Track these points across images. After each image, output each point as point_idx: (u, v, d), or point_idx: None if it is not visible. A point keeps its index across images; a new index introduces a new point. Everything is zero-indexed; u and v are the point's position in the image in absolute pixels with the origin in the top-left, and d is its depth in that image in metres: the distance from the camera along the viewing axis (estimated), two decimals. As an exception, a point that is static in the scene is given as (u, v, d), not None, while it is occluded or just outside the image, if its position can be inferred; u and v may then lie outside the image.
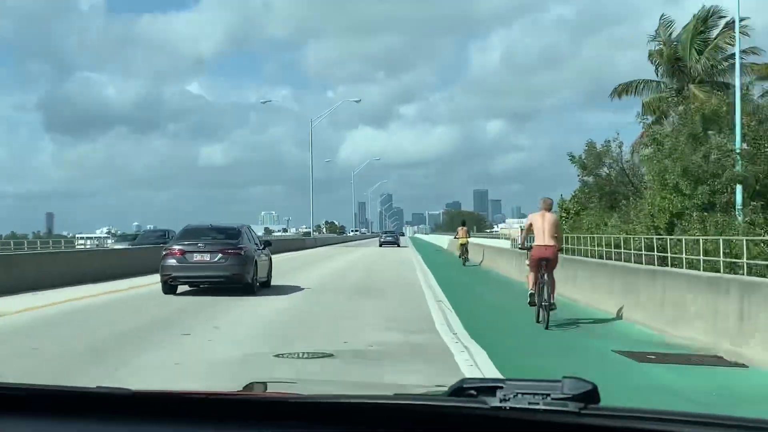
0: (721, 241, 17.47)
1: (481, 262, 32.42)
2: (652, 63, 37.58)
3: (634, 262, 25.42)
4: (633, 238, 26.49)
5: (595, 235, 31.78)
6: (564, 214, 43.31)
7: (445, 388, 1.38)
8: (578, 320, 12.59)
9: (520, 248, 13.87)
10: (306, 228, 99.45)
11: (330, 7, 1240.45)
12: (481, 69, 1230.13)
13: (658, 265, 20.62)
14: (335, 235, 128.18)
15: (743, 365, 8.07)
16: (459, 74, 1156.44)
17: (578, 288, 15.41)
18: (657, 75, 37.70)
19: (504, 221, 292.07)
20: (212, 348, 9.25)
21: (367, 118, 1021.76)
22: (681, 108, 27.97)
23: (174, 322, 11.81)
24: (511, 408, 1.23)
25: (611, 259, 27.91)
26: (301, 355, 8.58)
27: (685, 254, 20.75)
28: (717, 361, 8.40)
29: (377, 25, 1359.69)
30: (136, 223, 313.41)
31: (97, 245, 58.30)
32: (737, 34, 25.88)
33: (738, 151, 22.78)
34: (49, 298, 15.06)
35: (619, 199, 34.09)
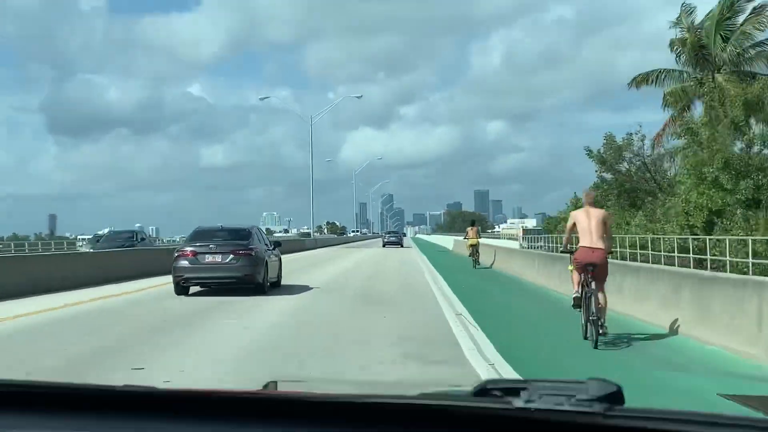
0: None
1: (493, 263, 30.03)
2: (673, 51, 35.20)
3: (663, 264, 23.12)
4: (663, 238, 24.16)
5: (616, 236, 29.41)
6: (578, 214, 40.92)
7: (467, 389, 1.34)
8: (632, 336, 10.24)
9: (562, 251, 11.53)
10: (307, 229, 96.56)
11: (330, 8, 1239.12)
12: (481, 69, 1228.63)
13: (694, 268, 18.32)
14: (335, 236, 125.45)
15: None
16: (459, 74, 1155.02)
17: (624, 298, 12.98)
18: (677, 64, 35.34)
19: (505, 221, 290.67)
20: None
21: (368, 119, 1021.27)
22: (717, 95, 25.56)
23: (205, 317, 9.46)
24: (536, 409, 1.21)
25: (634, 260, 25.56)
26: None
27: (729, 256, 18.36)
28: None
29: (377, 26, 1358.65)
30: (138, 224, 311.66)
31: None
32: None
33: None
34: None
35: (642, 197, 31.74)
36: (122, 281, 19.86)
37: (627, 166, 33.45)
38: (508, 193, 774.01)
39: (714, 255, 20.42)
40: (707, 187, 21.21)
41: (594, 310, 9.75)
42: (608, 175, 34.27)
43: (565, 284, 16.85)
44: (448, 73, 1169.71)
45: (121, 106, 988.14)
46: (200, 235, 17.17)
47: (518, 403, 1.23)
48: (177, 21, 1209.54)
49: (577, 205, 43.09)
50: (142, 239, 31.41)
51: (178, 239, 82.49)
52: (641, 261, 25.48)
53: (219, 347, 9.45)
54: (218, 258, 16.18)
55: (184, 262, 16.23)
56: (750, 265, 16.87)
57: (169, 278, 16.84)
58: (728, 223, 20.24)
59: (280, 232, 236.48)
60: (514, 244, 53.82)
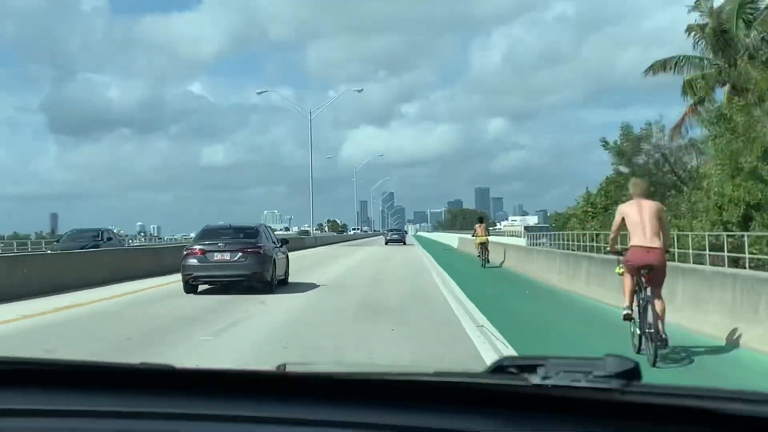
0: None
1: (503, 263, 28.09)
2: (690, 38, 33.21)
3: (693, 263, 21.19)
4: (692, 235, 22.19)
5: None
6: (590, 209, 39.00)
7: (482, 369, 1.32)
8: (692, 351, 8.69)
9: (609, 251, 9.60)
10: (307, 227, 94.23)
11: (331, 7, 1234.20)
12: (482, 67, 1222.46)
13: (729, 267, 16.35)
14: (335, 234, 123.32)
15: None
16: (460, 73, 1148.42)
17: (676, 305, 11.01)
18: (694, 50, 33.37)
19: (507, 219, 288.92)
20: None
21: (369, 118, 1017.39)
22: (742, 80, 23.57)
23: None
24: (553, 386, 1.20)
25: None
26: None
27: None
28: None
29: (378, 25, 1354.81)
30: (139, 223, 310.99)
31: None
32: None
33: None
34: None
35: (662, 191, 29.74)
36: (84, 288, 17.19)
37: (645, 159, 31.42)
38: (509, 191, 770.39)
39: (752, 253, 18.47)
40: (744, 178, 19.23)
41: (651, 321, 8.20)
42: (624, 169, 32.27)
43: (593, 287, 14.92)
44: (449, 71, 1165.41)
45: (121, 106, 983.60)
46: (209, 234, 17.26)
47: (535, 379, 1.22)
48: (178, 20, 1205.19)
49: (589, 200, 41.31)
50: (109, 239, 28.40)
51: (179, 237, 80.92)
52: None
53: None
54: (227, 256, 16.22)
55: (193, 261, 16.26)
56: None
57: (143, 284, 15.96)
58: (768, 218, 18.33)
59: (280, 230, 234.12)
60: (521, 241, 52.04)
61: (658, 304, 8.35)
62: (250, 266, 16.06)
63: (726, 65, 30.57)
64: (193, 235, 63.97)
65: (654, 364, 7.84)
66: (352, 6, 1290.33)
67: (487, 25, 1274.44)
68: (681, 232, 23.94)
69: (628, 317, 8.70)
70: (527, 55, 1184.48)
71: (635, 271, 8.59)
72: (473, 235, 29.72)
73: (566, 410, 1.21)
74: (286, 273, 18.47)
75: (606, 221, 35.25)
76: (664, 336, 8.12)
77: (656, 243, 8.46)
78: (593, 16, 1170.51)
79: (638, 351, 8.41)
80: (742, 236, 18.49)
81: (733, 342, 9.02)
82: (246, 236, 16.89)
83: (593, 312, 12.92)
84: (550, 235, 51.68)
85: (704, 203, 21.74)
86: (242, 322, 11.67)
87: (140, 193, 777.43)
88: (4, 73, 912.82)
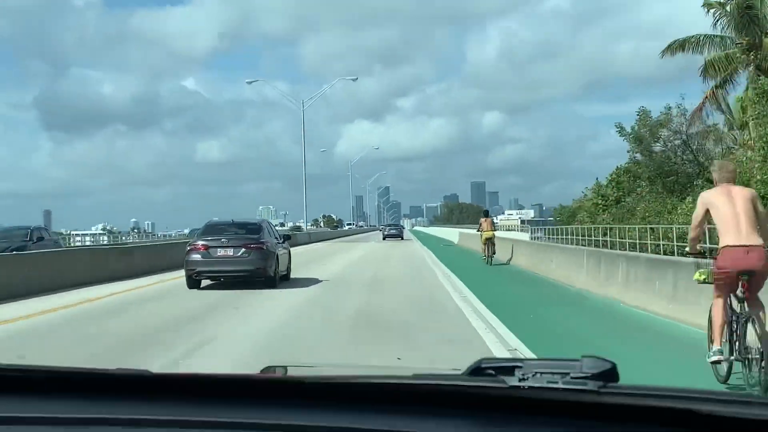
0: None
1: (510, 260, 25.67)
2: (710, 15, 30.79)
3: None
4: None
5: (659, 226, 24.97)
6: (601, 201, 36.54)
7: (462, 369, 1.30)
8: None
9: (688, 253, 7.14)
10: (301, 222, 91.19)
11: (326, 0, 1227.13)
12: (478, 61, 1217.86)
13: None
14: (329, 229, 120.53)
15: None
16: (456, 66, 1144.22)
17: None
18: (713, 29, 30.96)
19: (503, 213, 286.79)
20: None
21: (364, 112, 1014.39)
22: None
23: None
24: (529, 387, 1.20)
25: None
26: None
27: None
28: None
29: (373, 18, 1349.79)
30: (133, 219, 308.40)
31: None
32: None
33: None
34: None
35: (682, 181, 27.33)
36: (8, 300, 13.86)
37: (663, 146, 28.92)
38: (505, 185, 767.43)
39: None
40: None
41: (752, 343, 6.27)
42: (639, 157, 29.81)
43: (634, 292, 12.44)
44: (445, 65, 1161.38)
45: (115, 101, 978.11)
46: (212, 230, 17.24)
47: (512, 381, 1.21)
48: (171, 14, 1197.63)
49: (599, 192, 38.81)
50: (40, 239, 24.23)
51: (173, 234, 78.61)
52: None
53: None
54: (230, 252, 16.25)
55: (197, 256, 16.26)
56: None
57: (83, 294, 14.02)
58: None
59: (275, 226, 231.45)
60: (523, 236, 49.66)
61: (757, 310, 6.30)
62: (254, 262, 16.08)
63: (753, 43, 28.14)
64: (187, 231, 61.63)
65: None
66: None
67: (484, 18, 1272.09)
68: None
69: (717, 362, 6.60)
70: (523, 48, 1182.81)
71: (731, 277, 6.45)
72: (478, 230, 27.27)
73: (543, 412, 1.21)
74: (288, 269, 18.50)
75: (619, 214, 32.83)
76: None
77: (755, 240, 6.45)
78: (589, 7, 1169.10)
79: (726, 380, 6.52)
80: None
81: None
82: (249, 232, 16.91)
83: (640, 321, 10.49)
84: (546, 229, 49.32)
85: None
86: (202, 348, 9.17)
87: (135, 189, 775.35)
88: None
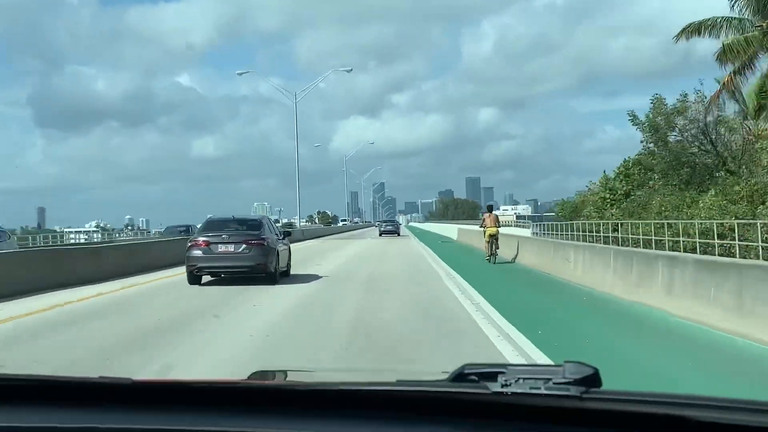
0: None
1: (515, 258, 23.80)
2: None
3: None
4: (760, 224, 17.99)
5: (679, 221, 23.07)
6: (609, 195, 34.64)
7: (446, 375, 1.31)
8: None
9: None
10: (295, 218, 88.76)
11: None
12: (472, 57, 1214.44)
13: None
14: (323, 226, 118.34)
15: None
16: (451, 63, 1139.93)
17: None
18: (731, 11, 29.08)
19: (498, 208, 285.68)
20: None
21: (360, 108, 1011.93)
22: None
23: None
24: (512, 393, 1.21)
25: (705, 254, 19.28)
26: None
27: None
28: None
29: (368, 15, 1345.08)
30: (128, 216, 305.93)
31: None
32: None
33: None
34: None
35: (700, 172, 25.47)
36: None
37: (678, 136, 27.02)
38: (500, 181, 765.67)
39: None
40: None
41: None
42: (654, 147, 27.90)
43: (682, 300, 10.54)
44: (440, 61, 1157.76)
45: (110, 98, 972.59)
46: (212, 226, 17.29)
47: (494, 387, 1.21)
48: (165, 11, 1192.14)
49: (607, 185, 36.90)
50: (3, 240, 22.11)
51: (153, 232, 76.70)
52: (720, 254, 19.26)
53: None
54: (231, 248, 16.28)
55: (198, 252, 16.25)
56: None
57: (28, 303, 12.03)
58: None
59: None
60: (525, 232, 47.82)
61: None
62: (254, 258, 16.08)
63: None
64: (162, 230, 59.99)
65: None
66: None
67: (478, 14, 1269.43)
68: (740, 220, 19.68)
69: None
70: (518, 44, 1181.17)
71: None
72: (481, 226, 25.41)
73: (526, 417, 1.21)
74: (288, 265, 18.44)
75: (630, 209, 30.96)
76: None
77: None
78: (583, 2, 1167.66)
79: None
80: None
81: None
82: (249, 228, 16.95)
83: (720, 347, 8.55)
84: (546, 224, 47.47)
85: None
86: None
87: (130, 185, 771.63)
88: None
